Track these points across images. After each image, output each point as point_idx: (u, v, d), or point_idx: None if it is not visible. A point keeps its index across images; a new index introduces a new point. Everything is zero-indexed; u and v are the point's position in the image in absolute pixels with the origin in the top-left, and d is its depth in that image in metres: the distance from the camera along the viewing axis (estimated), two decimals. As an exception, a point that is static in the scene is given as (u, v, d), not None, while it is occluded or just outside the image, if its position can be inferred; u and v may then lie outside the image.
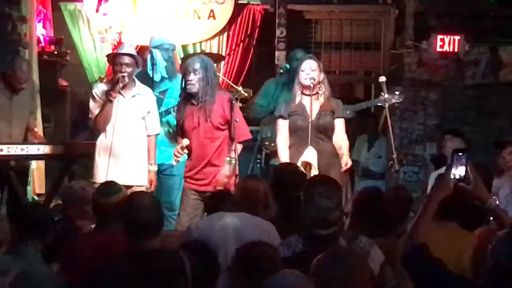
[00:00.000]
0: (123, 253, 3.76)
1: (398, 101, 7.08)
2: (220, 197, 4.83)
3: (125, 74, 6.18)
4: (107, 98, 6.18)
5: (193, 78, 5.96)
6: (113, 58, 6.34)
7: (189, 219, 5.90)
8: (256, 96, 7.96)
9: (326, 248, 3.45)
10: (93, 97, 6.35)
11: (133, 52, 6.37)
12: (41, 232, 3.86)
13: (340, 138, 6.16)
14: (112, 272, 3.66)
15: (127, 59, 6.22)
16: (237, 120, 6.01)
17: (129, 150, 6.28)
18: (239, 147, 6.12)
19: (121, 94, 6.24)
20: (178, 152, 6.01)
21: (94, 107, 6.32)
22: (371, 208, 4.64)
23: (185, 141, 5.97)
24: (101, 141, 6.29)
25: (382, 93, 6.83)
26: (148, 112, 6.35)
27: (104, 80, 6.51)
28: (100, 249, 4.09)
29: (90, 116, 6.36)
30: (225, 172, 5.98)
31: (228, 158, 6.01)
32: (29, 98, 7.17)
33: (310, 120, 5.98)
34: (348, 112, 6.69)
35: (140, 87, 6.38)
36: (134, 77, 6.35)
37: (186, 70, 6.03)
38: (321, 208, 3.73)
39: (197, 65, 5.98)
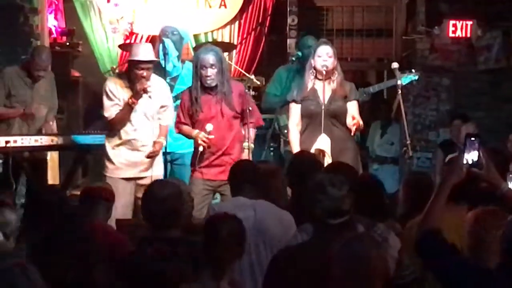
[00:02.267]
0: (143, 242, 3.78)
1: (415, 79, 7.09)
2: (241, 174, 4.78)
3: (147, 86, 6.04)
4: (128, 104, 6.06)
5: (212, 73, 5.89)
6: (134, 61, 6.09)
7: (200, 208, 5.69)
8: (268, 84, 7.92)
9: (340, 236, 3.46)
10: (108, 95, 6.15)
11: (153, 57, 6.18)
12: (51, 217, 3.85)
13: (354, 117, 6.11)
14: (129, 261, 3.68)
15: (148, 63, 6.09)
16: (250, 108, 6.00)
17: (148, 142, 6.20)
18: (253, 132, 6.15)
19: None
20: (205, 138, 5.88)
21: (109, 106, 6.14)
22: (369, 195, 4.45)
23: (209, 126, 5.88)
24: (119, 136, 6.17)
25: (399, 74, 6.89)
26: (163, 104, 6.26)
27: (116, 72, 6.32)
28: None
29: (106, 115, 6.16)
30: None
31: (246, 144, 6.03)
32: (47, 90, 7.18)
33: (322, 107, 5.98)
34: (364, 95, 6.71)
35: (154, 80, 6.23)
36: None
37: (200, 65, 5.90)
38: (334, 198, 3.53)
39: (213, 59, 5.89)
